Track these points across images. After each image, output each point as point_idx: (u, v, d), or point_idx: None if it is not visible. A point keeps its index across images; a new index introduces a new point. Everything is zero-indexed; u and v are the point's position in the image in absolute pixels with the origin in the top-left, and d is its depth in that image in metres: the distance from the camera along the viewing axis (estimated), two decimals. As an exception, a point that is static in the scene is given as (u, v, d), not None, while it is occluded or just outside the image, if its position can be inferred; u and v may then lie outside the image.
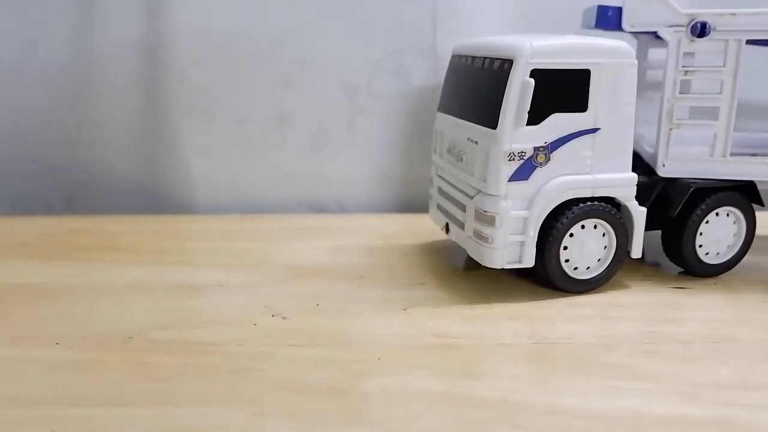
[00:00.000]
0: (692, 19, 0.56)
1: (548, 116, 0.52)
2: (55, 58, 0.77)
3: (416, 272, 0.60)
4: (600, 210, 0.54)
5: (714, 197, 0.58)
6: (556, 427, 0.38)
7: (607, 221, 0.55)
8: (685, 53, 0.57)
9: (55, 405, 0.40)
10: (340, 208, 0.83)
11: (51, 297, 0.55)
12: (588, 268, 0.56)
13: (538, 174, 0.53)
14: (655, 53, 0.64)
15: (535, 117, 0.51)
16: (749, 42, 0.56)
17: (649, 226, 0.56)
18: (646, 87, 0.64)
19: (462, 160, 0.57)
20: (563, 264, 0.55)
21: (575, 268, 0.55)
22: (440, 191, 0.62)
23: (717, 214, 0.58)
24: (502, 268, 0.54)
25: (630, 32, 0.59)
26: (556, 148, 0.52)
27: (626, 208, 0.55)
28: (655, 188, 0.58)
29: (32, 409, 0.40)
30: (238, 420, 0.39)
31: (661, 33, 0.60)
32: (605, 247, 0.55)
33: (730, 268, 0.60)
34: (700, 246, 0.59)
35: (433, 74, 0.79)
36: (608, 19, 0.58)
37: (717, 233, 0.59)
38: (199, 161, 0.80)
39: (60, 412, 0.40)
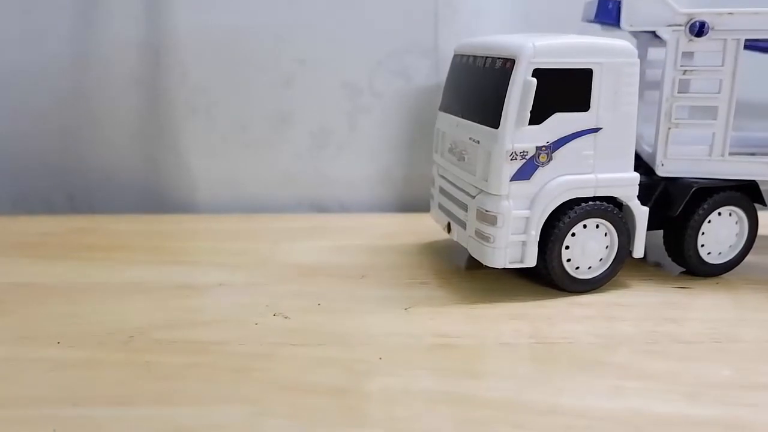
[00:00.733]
0: (691, 19, 0.56)
1: (550, 116, 0.52)
2: (57, 57, 0.77)
3: (417, 272, 0.60)
4: (602, 210, 0.54)
5: (716, 197, 0.58)
6: (558, 426, 0.38)
7: (609, 221, 0.55)
8: (683, 53, 0.57)
9: (56, 404, 0.40)
10: (341, 207, 0.83)
11: (52, 296, 0.55)
12: (590, 267, 0.56)
13: (540, 174, 0.53)
14: (654, 53, 0.64)
15: (538, 116, 0.51)
16: (747, 47, 0.56)
17: (651, 226, 0.56)
18: (645, 86, 0.64)
19: (464, 159, 0.57)
20: (565, 264, 0.55)
21: (577, 268, 0.55)
22: (442, 191, 0.62)
23: (719, 214, 0.58)
24: (504, 268, 0.54)
25: (629, 31, 0.59)
26: (558, 148, 0.52)
27: (628, 207, 0.55)
28: (656, 188, 0.58)
29: (33, 409, 0.40)
30: (239, 419, 0.39)
31: (660, 32, 0.60)
32: (607, 247, 0.55)
33: (732, 268, 0.60)
34: (702, 246, 0.59)
35: (435, 74, 0.79)
36: (608, 12, 0.58)
37: (719, 233, 0.59)
38: (201, 161, 0.80)
39: (61, 411, 0.40)
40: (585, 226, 0.54)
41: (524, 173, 0.52)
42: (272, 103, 0.79)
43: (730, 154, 0.58)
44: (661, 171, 0.58)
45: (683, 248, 0.58)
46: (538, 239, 0.54)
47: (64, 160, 0.80)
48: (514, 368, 0.45)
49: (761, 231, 0.60)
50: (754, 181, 0.58)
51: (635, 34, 0.63)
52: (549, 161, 0.52)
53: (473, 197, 0.55)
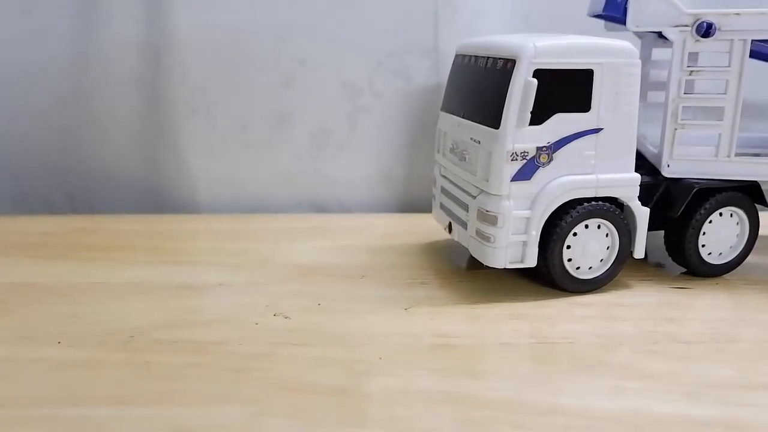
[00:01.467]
0: (697, 19, 0.55)
1: (551, 116, 0.52)
2: (57, 57, 0.77)
3: (417, 272, 0.60)
4: (603, 210, 0.54)
5: (717, 197, 0.58)
6: (558, 426, 0.38)
7: (610, 221, 0.55)
8: (690, 53, 0.56)
9: (56, 404, 0.40)
10: (341, 207, 0.83)
11: (52, 296, 0.55)
12: (590, 267, 0.56)
13: (541, 174, 0.53)
14: (658, 53, 0.64)
15: (538, 117, 0.51)
16: (752, 56, 0.56)
17: (652, 227, 0.56)
18: (649, 87, 0.64)
19: (465, 159, 0.57)
20: (566, 263, 0.55)
21: (578, 268, 0.55)
22: (443, 191, 0.62)
23: (720, 215, 0.58)
24: (504, 268, 0.54)
25: (634, 32, 0.59)
26: (559, 148, 0.52)
27: (629, 208, 0.55)
28: (658, 188, 0.58)
29: (33, 409, 0.40)
30: (239, 419, 0.39)
31: (666, 33, 0.60)
32: (608, 248, 0.55)
33: (733, 269, 0.60)
34: (703, 246, 0.59)
35: (435, 74, 0.79)
36: (617, 6, 0.57)
37: (720, 234, 0.59)
38: (201, 161, 0.80)
39: (61, 411, 0.40)
40: (587, 227, 0.54)
41: (525, 174, 0.52)
42: (272, 103, 0.79)
43: (736, 154, 0.58)
44: (667, 172, 0.58)
45: (684, 248, 0.58)
46: (538, 239, 0.54)
47: (64, 160, 0.80)
48: (514, 368, 0.45)
49: (762, 231, 0.60)
50: (755, 181, 0.58)
51: (640, 34, 0.63)
52: (550, 162, 0.52)
53: (474, 197, 0.55)
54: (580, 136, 0.53)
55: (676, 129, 0.58)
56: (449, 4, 0.77)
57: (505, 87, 0.51)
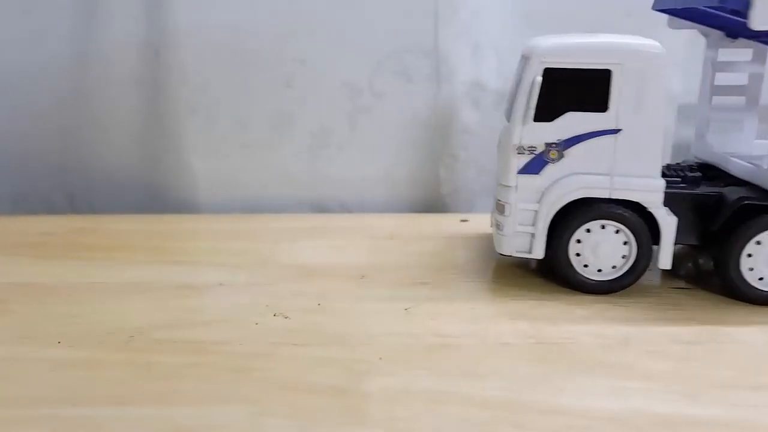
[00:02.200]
0: None
1: (562, 114, 0.52)
2: (57, 57, 0.77)
3: (418, 272, 0.60)
4: (613, 212, 0.53)
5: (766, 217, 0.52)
6: (558, 426, 0.38)
7: (625, 226, 0.54)
8: None
9: (56, 404, 0.40)
10: (341, 207, 0.83)
11: (52, 296, 0.55)
12: (600, 270, 0.55)
13: (550, 169, 0.53)
14: (725, 54, 0.61)
15: (549, 114, 0.52)
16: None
17: (693, 240, 0.54)
18: (715, 91, 0.61)
19: (500, 154, 0.58)
20: (573, 259, 0.55)
21: (585, 266, 0.55)
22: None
23: None
24: (532, 269, 0.54)
25: (759, 31, 0.53)
26: (571, 146, 0.53)
27: (653, 215, 0.54)
28: (711, 200, 0.54)
29: (33, 409, 0.40)
30: (239, 419, 0.39)
31: None
32: (624, 257, 0.55)
33: None
34: (751, 269, 0.53)
35: (435, 74, 0.79)
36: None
37: None
38: (201, 161, 0.80)
39: (61, 411, 0.40)
40: (603, 227, 0.54)
41: (532, 168, 0.54)
42: (273, 103, 0.79)
43: None
44: None
45: (727, 269, 0.53)
46: (546, 232, 0.54)
47: (64, 159, 0.80)
48: (514, 368, 0.45)
49: None
50: None
51: (705, 32, 0.61)
52: (560, 158, 0.53)
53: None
54: (596, 136, 0.53)
55: None
56: (449, 4, 0.77)
57: (519, 84, 0.53)
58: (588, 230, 0.54)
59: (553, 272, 0.57)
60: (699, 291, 0.57)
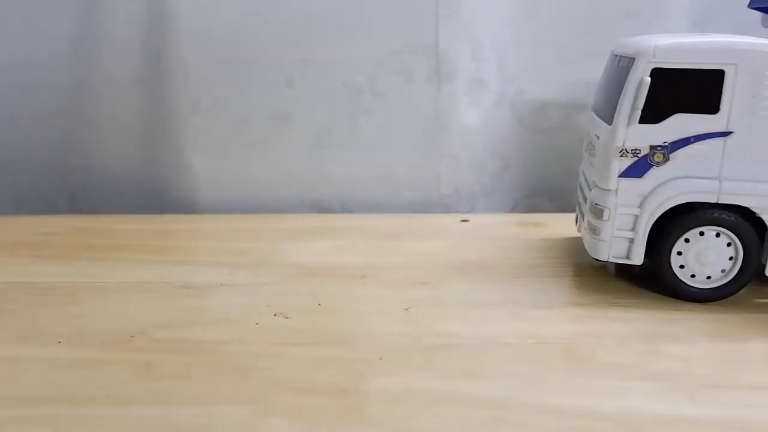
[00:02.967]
0: None
1: (670, 116, 0.51)
2: (58, 57, 0.77)
3: (417, 272, 0.60)
4: (723, 219, 0.52)
5: None
6: (558, 426, 0.38)
7: (732, 231, 0.52)
8: None
9: (57, 404, 0.40)
10: (342, 207, 0.83)
11: (53, 296, 0.55)
12: (709, 277, 0.54)
13: (654, 173, 0.52)
14: None
15: (655, 115, 0.51)
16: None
17: None
18: None
19: (593, 155, 0.57)
20: (676, 269, 0.54)
21: (693, 276, 0.54)
22: (579, 186, 0.63)
23: None
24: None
25: None
26: (678, 149, 0.51)
27: (762, 222, 0.52)
28: None
29: (34, 408, 0.40)
30: (240, 419, 0.39)
31: None
32: (731, 258, 0.53)
33: None
34: None
35: (435, 74, 0.79)
36: None
37: None
38: (202, 160, 0.80)
39: (62, 411, 0.40)
40: (702, 234, 0.53)
41: (635, 171, 0.52)
42: (273, 103, 0.79)
43: None
44: None
45: None
46: (646, 238, 0.53)
47: (64, 159, 0.80)
48: (514, 368, 0.45)
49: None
50: None
51: None
52: (666, 161, 0.52)
53: (591, 191, 0.56)
54: (705, 138, 0.51)
55: None
56: (449, 4, 0.77)
57: (623, 84, 0.51)
58: (687, 239, 0.53)
59: (642, 277, 0.56)
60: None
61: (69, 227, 0.73)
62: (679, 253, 0.54)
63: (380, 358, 0.45)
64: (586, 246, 0.57)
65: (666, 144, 0.51)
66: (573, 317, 0.52)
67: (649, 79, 0.50)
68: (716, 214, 0.52)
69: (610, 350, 0.47)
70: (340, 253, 0.65)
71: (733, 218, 0.52)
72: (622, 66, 0.54)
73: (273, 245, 0.67)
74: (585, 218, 0.57)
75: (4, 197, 0.81)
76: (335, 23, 0.78)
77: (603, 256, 0.54)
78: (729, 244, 0.53)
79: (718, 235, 0.53)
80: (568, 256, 0.63)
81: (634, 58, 0.51)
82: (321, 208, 0.83)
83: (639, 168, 0.52)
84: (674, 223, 0.53)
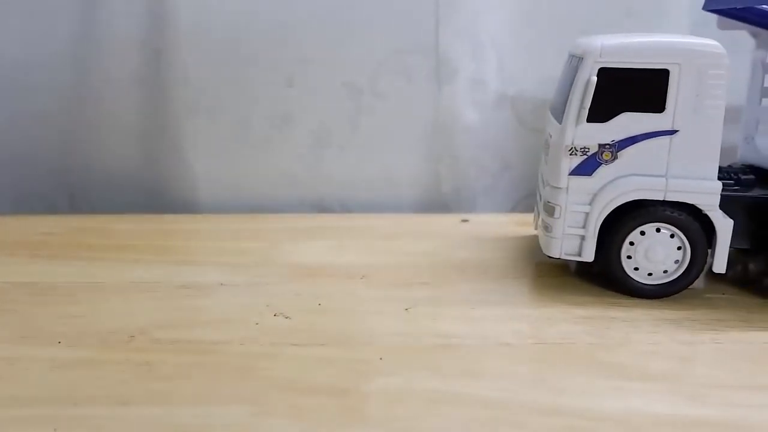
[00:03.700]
0: None
1: (617, 115, 0.52)
2: (58, 57, 0.77)
3: (418, 272, 0.60)
4: (670, 216, 0.53)
5: None
6: (558, 427, 0.38)
7: (680, 229, 0.53)
8: None
9: (57, 404, 0.40)
10: (342, 207, 0.83)
11: (53, 296, 0.55)
12: (650, 274, 0.54)
13: (603, 171, 0.53)
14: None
15: (603, 114, 0.52)
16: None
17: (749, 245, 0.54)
18: (765, 93, 0.60)
19: (548, 154, 0.58)
20: (624, 262, 0.54)
21: (636, 269, 0.54)
22: (538, 186, 0.63)
23: None
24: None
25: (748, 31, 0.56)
26: (626, 147, 0.52)
27: (708, 218, 0.53)
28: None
29: (34, 408, 0.40)
30: (240, 419, 0.39)
31: None
32: (677, 262, 0.54)
33: None
34: None
35: (435, 74, 0.79)
36: None
37: None
38: (202, 161, 0.80)
39: (62, 411, 0.40)
40: (658, 230, 0.53)
41: (585, 169, 0.53)
42: (273, 103, 0.79)
43: None
44: None
45: None
46: (596, 235, 0.54)
47: (64, 159, 0.80)
48: (514, 368, 0.45)
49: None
50: None
51: (755, 33, 0.60)
52: (614, 159, 0.53)
53: (544, 189, 0.57)
54: (652, 137, 0.52)
55: None
56: (449, 4, 0.77)
57: (571, 84, 0.52)
58: (642, 233, 0.54)
59: (595, 275, 0.57)
60: (699, 292, 0.57)
61: (69, 227, 0.73)
62: (629, 253, 0.54)
63: (380, 358, 0.45)
64: (541, 243, 0.57)
65: (614, 142, 0.52)
66: (573, 317, 0.52)
67: (595, 78, 0.51)
68: (665, 212, 0.53)
69: (610, 350, 0.47)
70: (340, 253, 0.65)
71: (680, 215, 0.53)
72: (573, 65, 0.54)
73: (273, 245, 0.67)
74: (539, 216, 0.58)
75: (4, 197, 0.81)
76: (335, 23, 0.78)
77: (555, 253, 0.55)
78: (672, 236, 0.54)
79: (662, 232, 0.54)
80: (568, 256, 0.63)
81: (580, 58, 0.52)
82: (321, 208, 0.83)
83: (588, 166, 0.53)
84: (623, 220, 0.53)
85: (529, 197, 0.83)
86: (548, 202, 0.55)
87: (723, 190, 0.53)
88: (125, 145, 0.80)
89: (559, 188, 0.54)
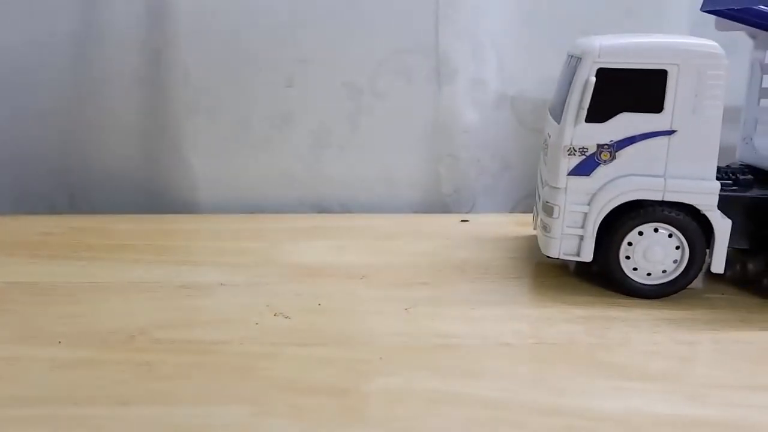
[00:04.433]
0: None
1: (615, 115, 0.52)
2: (58, 57, 0.77)
3: (418, 272, 0.60)
4: (669, 216, 0.53)
5: None
6: (558, 426, 0.38)
7: (679, 229, 0.53)
8: None
9: (57, 404, 0.40)
10: (342, 207, 0.83)
11: (53, 296, 0.55)
12: (649, 274, 0.54)
13: (602, 171, 0.53)
14: None
15: (601, 115, 0.52)
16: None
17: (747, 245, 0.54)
18: (763, 93, 0.61)
19: (546, 154, 0.58)
20: (622, 262, 0.54)
21: (635, 269, 0.54)
22: (536, 187, 0.63)
23: None
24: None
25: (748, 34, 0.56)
26: (624, 147, 0.52)
27: (707, 218, 0.53)
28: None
29: (34, 408, 0.40)
30: (240, 419, 0.39)
31: None
32: (675, 261, 0.54)
33: None
34: None
35: (435, 74, 0.79)
36: None
37: None
38: (202, 161, 0.80)
39: (62, 410, 0.40)
40: (657, 230, 0.54)
41: (583, 169, 0.53)
42: (273, 103, 0.79)
43: None
44: None
45: None
46: (595, 235, 0.54)
47: (64, 159, 0.80)
48: (514, 368, 0.45)
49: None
50: None
51: (753, 33, 0.60)
52: (612, 159, 0.53)
53: (543, 189, 0.57)
54: (650, 137, 0.52)
55: None
56: (450, 4, 0.77)
57: (570, 84, 0.52)
58: (641, 233, 0.54)
59: (595, 275, 0.57)
60: (699, 292, 0.57)
61: (69, 227, 0.73)
62: (628, 253, 0.54)
63: (380, 358, 0.45)
64: (540, 244, 0.57)
65: (612, 142, 0.52)
66: (573, 317, 0.52)
67: (594, 78, 0.51)
68: (664, 212, 0.53)
69: (610, 350, 0.47)
70: (340, 253, 0.65)
71: (679, 216, 0.53)
72: (572, 66, 0.55)
73: (273, 245, 0.67)
74: (538, 216, 0.58)
75: (4, 197, 0.81)
76: (335, 23, 0.78)
77: (554, 254, 0.55)
78: (671, 236, 0.54)
79: (660, 232, 0.54)
80: (568, 256, 0.63)
81: (579, 58, 0.52)
82: (321, 208, 0.83)
83: (587, 166, 0.53)
84: (622, 220, 0.54)
85: (529, 197, 0.83)
86: (547, 202, 0.55)
87: (721, 190, 0.53)
88: (125, 145, 0.80)
89: (558, 188, 0.54)
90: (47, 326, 0.50)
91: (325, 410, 0.40)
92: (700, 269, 0.54)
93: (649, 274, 0.55)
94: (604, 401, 0.41)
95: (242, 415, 0.40)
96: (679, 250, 0.54)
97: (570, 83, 0.53)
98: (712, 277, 0.56)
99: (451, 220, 0.76)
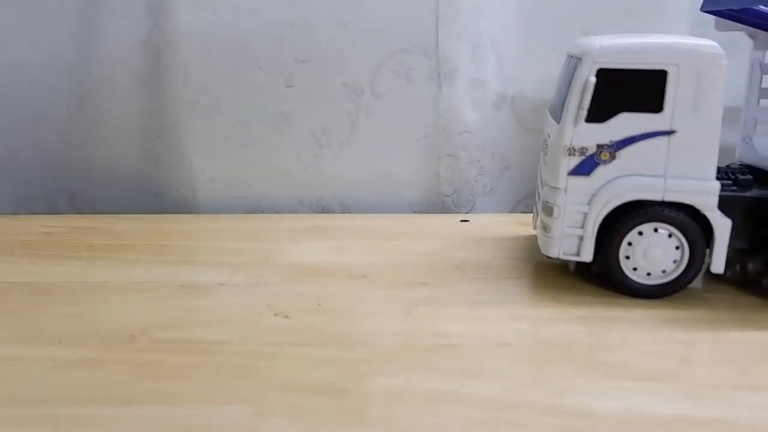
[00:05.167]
0: None
1: (615, 115, 0.52)
2: (59, 57, 0.77)
3: (418, 272, 0.60)
4: (669, 216, 0.53)
5: None
6: (558, 427, 0.38)
7: (679, 229, 0.53)
8: None
9: (57, 404, 0.40)
10: (342, 207, 0.83)
11: (54, 296, 0.55)
12: (649, 274, 0.54)
13: (602, 171, 0.53)
14: None
15: (601, 115, 0.52)
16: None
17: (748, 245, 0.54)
18: (762, 94, 0.60)
19: (546, 154, 0.58)
20: (622, 262, 0.54)
21: (635, 269, 0.54)
22: (536, 187, 0.63)
23: None
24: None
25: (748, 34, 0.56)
26: (624, 147, 0.52)
27: (707, 218, 0.53)
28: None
29: (35, 408, 0.40)
30: (240, 419, 0.39)
31: None
32: (675, 261, 0.54)
33: None
34: None
35: (435, 74, 0.79)
36: None
37: None
38: (202, 160, 0.80)
39: (62, 410, 0.40)
40: (656, 230, 0.53)
41: (583, 169, 0.53)
42: (273, 103, 0.79)
43: None
44: None
45: None
46: (595, 235, 0.54)
47: (65, 159, 0.80)
48: (514, 368, 0.45)
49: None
50: None
51: (752, 33, 0.60)
52: (612, 159, 0.53)
53: (543, 189, 0.57)
54: (650, 137, 0.52)
55: None
56: (450, 4, 0.77)
57: (570, 84, 0.52)
58: (640, 233, 0.53)
59: (595, 275, 0.57)
60: (699, 292, 0.57)
61: (69, 227, 0.73)
62: (628, 253, 0.54)
63: (380, 358, 0.45)
64: (539, 244, 0.57)
65: (612, 143, 0.52)
66: (573, 317, 0.52)
67: (594, 78, 0.51)
68: (663, 212, 0.53)
69: (610, 350, 0.47)
70: (340, 253, 0.65)
71: (679, 216, 0.53)
72: (571, 66, 0.55)
73: (273, 245, 0.67)
74: (538, 216, 0.58)
75: (4, 197, 0.81)
76: (335, 23, 0.78)
77: (554, 254, 0.55)
78: (671, 236, 0.53)
79: (660, 232, 0.54)
80: (568, 256, 0.63)
81: (579, 58, 0.52)
82: (321, 208, 0.83)
83: (587, 166, 0.53)
84: (621, 220, 0.54)
85: (529, 197, 0.83)
86: (547, 202, 0.55)
87: (721, 190, 0.53)
88: (125, 145, 0.80)
89: (558, 188, 0.54)
90: (47, 326, 0.50)
91: (325, 410, 0.40)
92: (700, 269, 0.54)
93: (648, 274, 0.55)
94: (604, 401, 0.41)
95: (242, 415, 0.40)
96: (679, 250, 0.54)
97: (570, 83, 0.53)
98: (711, 277, 0.56)
99: (451, 220, 0.76)
